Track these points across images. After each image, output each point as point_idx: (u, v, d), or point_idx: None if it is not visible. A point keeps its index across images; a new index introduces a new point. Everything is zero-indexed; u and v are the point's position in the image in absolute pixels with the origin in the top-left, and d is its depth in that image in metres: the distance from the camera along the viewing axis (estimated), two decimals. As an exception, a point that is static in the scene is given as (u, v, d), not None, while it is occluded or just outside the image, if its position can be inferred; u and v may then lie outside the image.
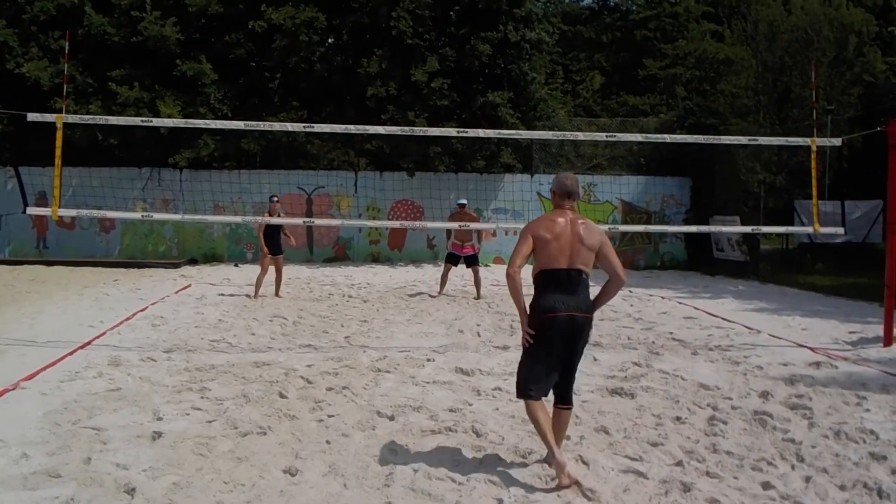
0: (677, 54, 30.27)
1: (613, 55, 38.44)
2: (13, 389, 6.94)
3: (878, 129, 10.69)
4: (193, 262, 21.51)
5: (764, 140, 13.65)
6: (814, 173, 10.46)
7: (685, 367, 8.41)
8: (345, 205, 22.42)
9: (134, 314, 11.66)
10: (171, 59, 20.54)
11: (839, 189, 20.09)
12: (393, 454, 5.41)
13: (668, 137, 13.72)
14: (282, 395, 6.91)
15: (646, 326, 11.32)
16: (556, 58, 33.62)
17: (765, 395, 7.12)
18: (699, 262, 21.91)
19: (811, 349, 9.55)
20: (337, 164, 23.45)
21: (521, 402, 5.57)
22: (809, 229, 11.25)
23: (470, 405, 6.63)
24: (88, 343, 9.28)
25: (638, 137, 14.55)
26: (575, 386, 7.27)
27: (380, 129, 11.31)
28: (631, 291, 15.90)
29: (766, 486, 4.88)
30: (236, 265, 21.01)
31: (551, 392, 5.22)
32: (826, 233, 11.04)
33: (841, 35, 21.55)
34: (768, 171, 20.36)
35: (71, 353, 8.60)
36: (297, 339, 9.98)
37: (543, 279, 5.07)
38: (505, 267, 5.28)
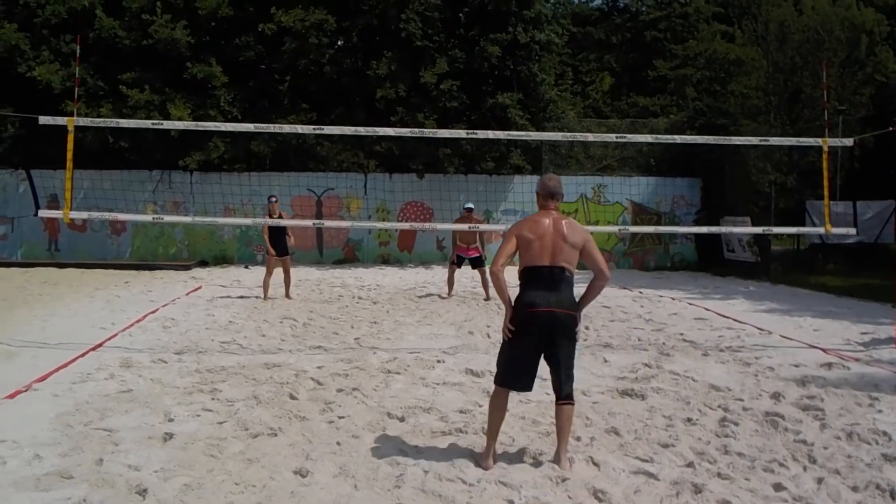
0: (687, 55, 30.20)
1: (623, 56, 38.40)
2: (25, 391, 6.96)
3: (890, 129, 10.66)
4: (204, 263, 21.56)
5: (775, 140, 13.61)
6: (825, 173, 10.42)
7: (696, 368, 8.38)
8: (354, 206, 22.44)
9: (145, 316, 11.70)
10: (181, 61, 20.61)
11: (851, 189, 20.00)
12: (403, 455, 5.40)
13: (678, 138, 13.68)
14: (292, 397, 6.91)
15: (656, 328, 11.29)
16: (565, 59, 33.63)
17: (776, 396, 7.09)
18: (710, 262, 21.85)
19: (823, 350, 9.50)
20: (347, 166, 23.49)
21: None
22: (821, 230, 11.21)
23: (480, 406, 6.62)
24: (100, 345, 9.31)
25: (648, 138, 14.52)
26: (585, 387, 7.36)
27: (389, 131, 11.35)
28: (641, 292, 15.87)
29: (778, 487, 4.86)
30: (246, 267, 21.05)
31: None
32: (838, 233, 10.99)
33: (852, 35, 21.45)
34: (779, 171, 20.28)
35: (82, 355, 8.63)
36: (307, 340, 9.99)
37: (527, 276, 5.25)
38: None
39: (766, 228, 13.76)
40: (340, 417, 6.31)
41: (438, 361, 8.59)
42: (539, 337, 5.13)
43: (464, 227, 12.84)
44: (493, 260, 5.26)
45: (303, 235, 21.26)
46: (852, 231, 12.44)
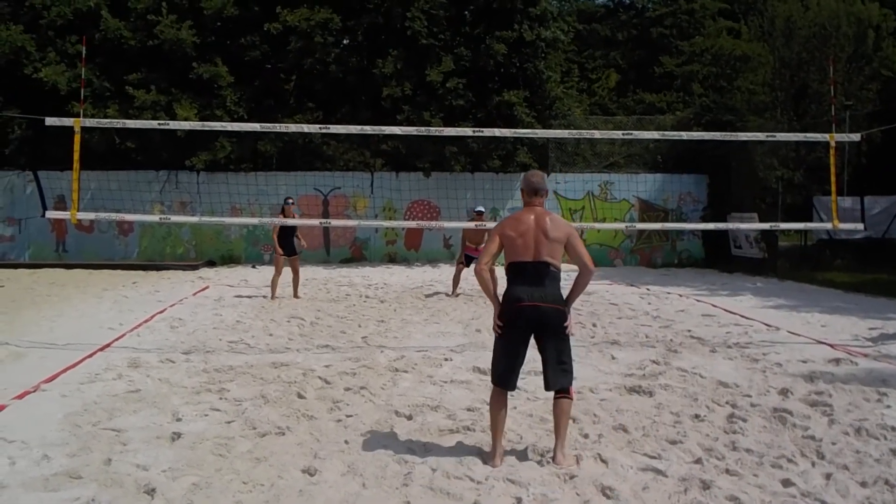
0: (693, 51, 30.19)
1: (629, 53, 38.38)
2: (34, 391, 6.98)
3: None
4: (211, 263, 21.59)
5: (782, 136, 13.57)
6: (833, 169, 10.40)
7: (704, 364, 8.37)
8: (361, 205, 22.44)
9: (153, 316, 11.72)
10: (187, 62, 20.63)
11: (858, 184, 19.96)
12: (411, 453, 5.40)
13: (684, 135, 13.69)
14: (300, 396, 6.92)
15: (664, 324, 11.27)
16: (571, 56, 33.59)
17: (784, 392, 7.07)
18: (717, 259, 21.81)
19: (831, 346, 9.48)
20: (353, 165, 23.51)
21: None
22: (828, 225, 11.19)
23: (488, 404, 6.60)
24: (108, 345, 9.33)
25: (654, 135, 14.55)
26: (593, 384, 7.36)
27: (395, 130, 11.34)
28: (648, 289, 15.86)
29: (787, 483, 4.85)
30: (254, 266, 21.07)
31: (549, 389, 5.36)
32: (846, 229, 10.97)
33: (858, 30, 21.40)
34: (786, 167, 20.25)
35: (90, 356, 8.65)
36: (314, 339, 10.01)
37: (512, 272, 5.33)
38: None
39: (773, 224, 13.73)
40: (348, 416, 6.32)
41: (446, 359, 8.59)
42: (526, 331, 5.21)
43: (470, 225, 12.83)
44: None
45: (310, 235, 21.23)
46: (860, 226, 12.40)
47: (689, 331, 10.65)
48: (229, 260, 22.06)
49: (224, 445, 5.53)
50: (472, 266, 14.35)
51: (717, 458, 5.32)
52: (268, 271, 17.00)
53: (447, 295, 14.60)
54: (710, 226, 17.61)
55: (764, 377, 7.75)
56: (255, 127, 11.48)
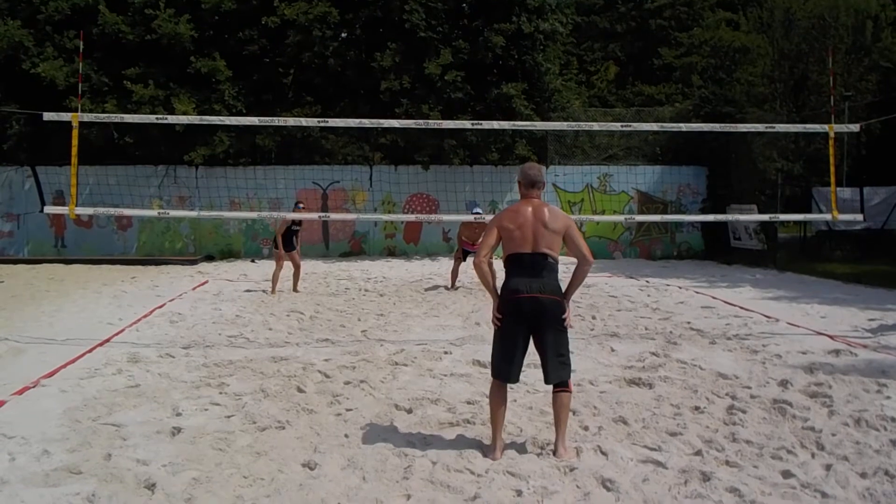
0: (692, 43, 30.12)
1: (628, 45, 38.28)
2: (33, 387, 6.98)
3: (897, 114, 10.61)
4: (210, 258, 21.61)
5: (781, 127, 13.58)
6: (832, 160, 10.39)
7: (703, 356, 8.37)
8: (360, 199, 22.44)
9: (152, 311, 11.72)
10: (185, 56, 20.61)
11: (857, 175, 19.95)
12: (411, 447, 5.40)
13: (684, 126, 13.67)
14: (300, 390, 6.92)
15: (663, 316, 11.27)
16: (570, 48, 33.53)
17: (784, 383, 7.07)
18: (716, 251, 21.81)
19: (830, 337, 9.48)
20: (352, 159, 23.51)
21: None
22: (828, 216, 11.19)
23: (487, 397, 6.61)
24: (107, 340, 9.33)
25: (654, 127, 14.52)
26: (592, 376, 7.36)
27: (394, 123, 11.35)
28: (648, 282, 15.86)
29: (787, 474, 4.85)
30: (253, 261, 21.08)
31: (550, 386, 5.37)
32: (845, 220, 10.96)
33: (857, 21, 21.38)
34: (785, 158, 20.24)
35: (90, 351, 8.65)
36: (314, 333, 10.00)
37: (510, 264, 5.32)
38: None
39: (772, 216, 13.70)
40: (348, 410, 6.32)
41: (445, 353, 8.59)
42: (524, 323, 5.19)
43: (469, 218, 12.81)
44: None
45: (309, 229, 21.24)
46: (859, 217, 12.39)
47: (689, 323, 10.65)
48: (228, 254, 22.07)
49: (224, 440, 5.53)
50: (470, 259, 14.44)
51: (717, 449, 5.32)
52: (266, 265, 17.04)
53: (446, 288, 14.60)
54: (710, 217, 17.64)
55: (763, 369, 7.75)
56: (254, 121, 11.43)
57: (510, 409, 5.94)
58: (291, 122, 11.87)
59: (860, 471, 4.90)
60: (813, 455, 5.23)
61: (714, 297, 13.30)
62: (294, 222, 13.91)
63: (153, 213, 14.85)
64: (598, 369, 7.78)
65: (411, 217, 21.91)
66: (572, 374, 5.42)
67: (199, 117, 13.58)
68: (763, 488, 4.65)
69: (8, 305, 12.33)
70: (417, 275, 17.32)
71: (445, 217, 16.59)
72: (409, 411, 6.30)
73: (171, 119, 11.31)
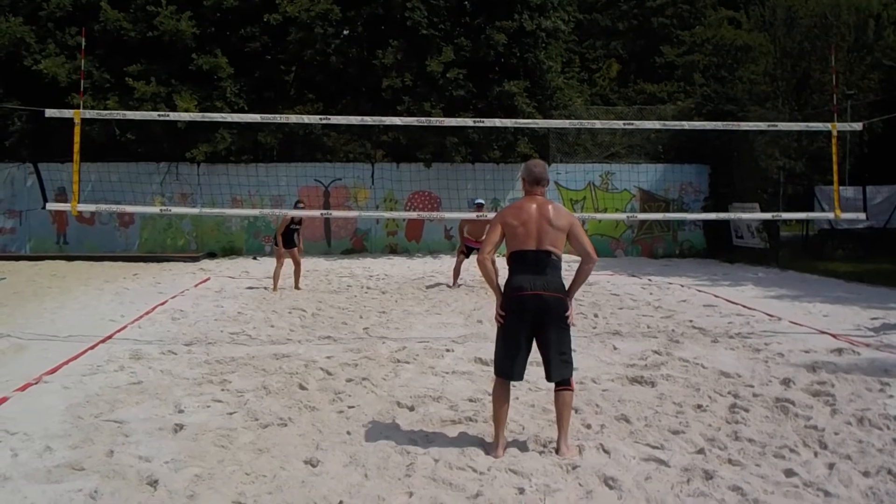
0: (695, 41, 30.07)
1: (630, 43, 38.26)
2: (36, 383, 6.99)
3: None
4: (212, 255, 21.61)
5: (784, 126, 13.56)
6: (835, 158, 10.37)
7: (705, 354, 8.36)
8: (362, 196, 22.43)
9: (154, 308, 11.72)
10: (186, 53, 20.61)
11: (860, 174, 19.93)
12: (413, 444, 5.40)
13: (686, 125, 13.67)
14: (302, 387, 6.92)
15: (665, 315, 11.27)
16: (572, 46, 33.49)
17: (786, 382, 7.06)
18: (718, 249, 21.79)
19: (833, 336, 9.47)
20: (354, 156, 23.53)
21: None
22: (830, 215, 11.17)
23: (489, 395, 6.58)
24: (109, 337, 9.33)
25: (656, 125, 14.51)
26: (595, 374, 7.35)
27: (396, 120, 11.33)
28: (650, 280, 15.85)
29: (789, 473, 4.85)
30: (255, 258, 21.09)
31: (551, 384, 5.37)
32: (847, 218, 10.94)
33: (859, 19, 21.34)
34: (788, 157, 20.21)
35: (92, 347, 8.65)
36: (316, 330, 10.00)
37: (513, 261, 5.31)
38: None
39: (775, 214, 13.72)
40: (350, 407, 6.32)
41: (447, 350, 8.59)
42: (528, 320, 5.16)
43: (471, 215, 12.80)
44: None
45: (311, 226, 21.24)
46: (862, 216, 12.38)
47: (691, 321, 10.64)
48: (230, 251, 22.07)
49: (226, 437, 5.53)
50: (473, 256, 14.44)
51: (720, 448, 5.31)
52: (268, 262, 17.03)
53: (448, 286, 14.59)
54: (712, 216, 17.62)
55: (766, 367, 7.74)
56: (256, 118, 11.40)
57: (512, 407, 5.94)
58: (293, 119, 11.86)
59: (863, 470, 4.89)
60: (816, 454, 5.22)
61: (716, 296, 13.29)
62: (294, 220, 13.92)
63: (155, 209, 14.82)
64: (600, 367, 7.77)
65: (413, 214, 21.87)
66: (574, 373, 5.42)
67: (200, 114, 13.63)
68: (766, 487, 4.64)
69: (10, 302, 12.34)
70: (419, 272, 17.32)
71: (447, 215, 16.58)
72: (412, 409, 6.30)
73: (173, 116, 11.35)
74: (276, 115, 13.04)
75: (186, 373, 7.48)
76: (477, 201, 14.98)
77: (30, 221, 21.81)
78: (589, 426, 5.81)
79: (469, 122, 12.21)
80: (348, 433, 5.65)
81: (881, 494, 4.53)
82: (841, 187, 12.21)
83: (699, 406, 6.34)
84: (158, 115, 11.19)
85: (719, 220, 20.84)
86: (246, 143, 21.41)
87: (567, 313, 5.23)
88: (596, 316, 11.06)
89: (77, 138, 9.32)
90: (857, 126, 11.09)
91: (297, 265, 14.22)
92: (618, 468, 4.93)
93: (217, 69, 20.60)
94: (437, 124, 12.52)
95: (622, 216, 21.48)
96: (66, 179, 20.13)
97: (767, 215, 14.87)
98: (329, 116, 12.64)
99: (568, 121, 17.72)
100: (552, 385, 5.35)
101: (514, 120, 14.12)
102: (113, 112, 15.85)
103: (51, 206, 11.01)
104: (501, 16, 21.01)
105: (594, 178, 23.00)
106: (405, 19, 20.62)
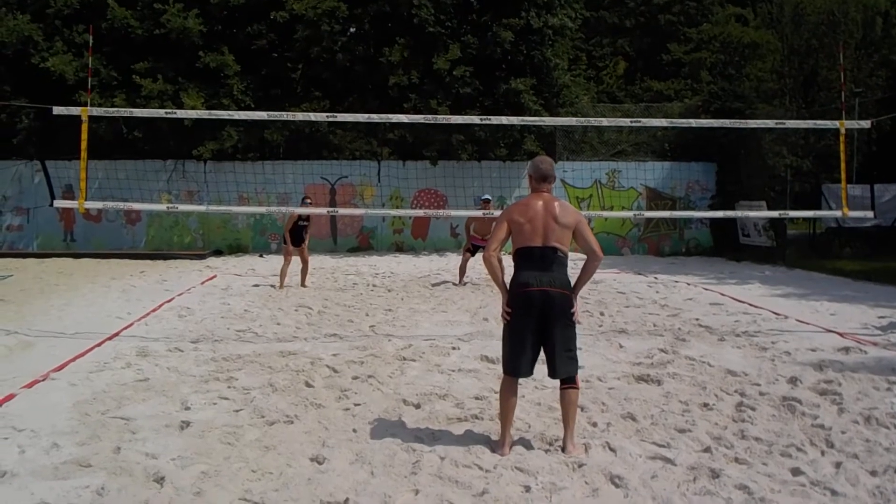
0: (702, 38, 29.95)
1: (637, 40, 38.18)
2: (43, 380, 7.01)
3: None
4: (218, 252, 21.63)
5: (791, 123, 13.51)
6: (842, 156, 10.33)
7: (712, 353, 8.35)
8: (368, 194, 22.43)
9: (161, 305, 11.75)
10: (193, 51, 20.62)
11: (868, 172, 19.85)
12: (419, 442, 5.40)
13: (693, 122, 13.61)
14: (308, 384, 6.93)
15: (672, 313, 11.25)
16: (578, 44, 33.41)
17: (793, 380, 7.05)
18: (725, 247, 21.73)
19: (840, 334, 9.45)
20: (360, 154, 23.51)
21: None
22: (838, 213, 11.14)
23: (495, 393, 6.57)
24: (116, 334, 9.36)
25: (663, 123, 14.44)
26: (601, 372, 7.35)
27: (402, 118, 11.32)
28: (656, 278, 15.83)
29: (796, 472, 4.84)
30: (261, 255, 21.11)
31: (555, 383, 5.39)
32: (855, 216, 10.91)
33: (866, 17, 21.28)
34: (795, 154, 20.15)
35: (99, 345, 8.67)
36: (322, 328, 10.01)
37: (520, 257, 5.31)
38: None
39: (782, 212, 13.65)
40: (356, 405, 6.33)
41: (453, 348, 8.59)
42: (534, 316, 5.15)
43: (478, 213, 12.80)
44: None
45: (317, 224, 21.25)
46: (870, 214, 12.34)
47: (698, 319, 10.63)
48: (236, 249, 22.09)
49: (232, 434, 5.54)
50: (479, 254, 14.41)
51: (726, 446, 5.31)
52: (275, 260, 17.05)
53: (454, 284, 14.59)
54: (719, 214, 17.56)
55: (773, 366, 7.73)
56: (262, 115, 11.45)
57: (518, 405, 5.93)
58: (300, 117, 11.88)
59: (870, 469, 4.88)
60: (822, 453, 5.21)
61: (723, 294, 13.27)
62: (301, 217, 13.93)
63: (162, 207, 14.88)
64: (606, 365, 7.77)
65: (419, 212, 21.89)
66: (580, 371, 5.42)
67: (207, 112, 13.64)
68: (772, 486, 4.63)
69: (17, 299, 12.38)
70: (425, 270, 17.32)
71: (454, 212, 16.54)
72: (418, 406, 6.30)
73: (180, 113, 11.36)
74: (283, 113, 13.07)
75: (193, 370, 7.49)
76: (483, 197, 14.96)
77: (37, 219, 21.86)
78: (595, 424, 5.81)
79: (476, 119, 12.21)
80: (354, 431, 5.66)
81: (888, 493, 4.52)
82: (848, 185, 12.18)
83: (705, 404, 6.33)
84: (165, 113, 11.22)
85: (726, 218, 20.77)
86: (252, 140, 21.42)
87: (573, 310, 5.23)
88: (602, 314, 11.05)
89: (84, 136, 9.34)
90: (866, 124, 11.05)
91: (305, 263, 14.24)
92: (624, 466, 4.93)
93: (224, 67, 20.61)
94: (444, 122, 12.51)
95: (629, 214, 21.43)
96: (73, 177, 20.02)
97: (774, 213, 14.81)
98: (335, 114, 12.66)
99: (574, 119, 17.65)
100: (558, 383, 5.35)
101: (520, 118, 14.05)
102: (120, 109, 15.91)
103: (58, 203, 11.05)
104: (508, 13, 20.97)
105: (601, 176, 22.96)
106: (412, 17, 20.60)
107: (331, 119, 12.60)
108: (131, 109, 13.61)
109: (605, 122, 13.86)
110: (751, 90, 22.49)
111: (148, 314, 10.90)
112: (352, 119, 12.31)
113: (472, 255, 14.57)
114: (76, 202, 9.68)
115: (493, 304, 11.80)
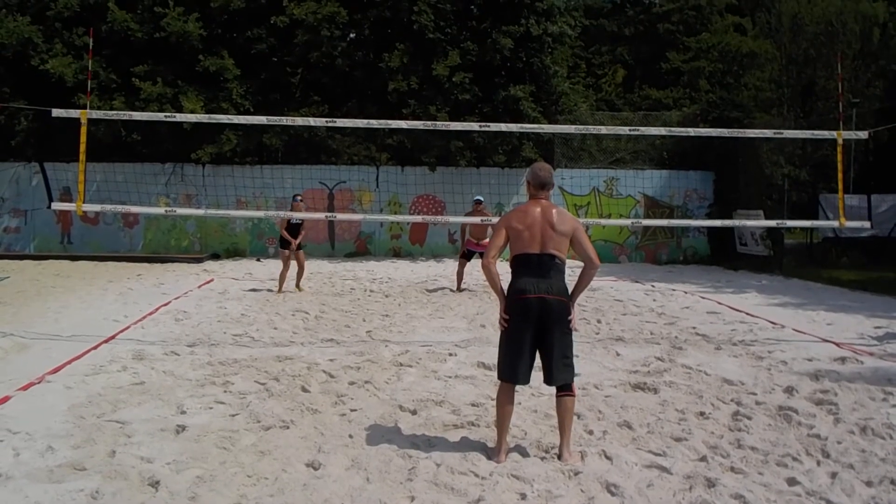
0: (700, 47, 30.11)
1: (636, 49, 38.30)
2: (38, 383, 6.99)
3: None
4: (216, 256, 21.61)
5: (789, 133, 13.53)
6: (840, 166, 10.34)
7: (708, 362, 8.35)
8: (366, 199, 22.45)
9: (157, 309, 11.73)
10: (193, 54, 20.64)
11: (865, 182, 19.89)
12: (415, 448, 5.40)
13: (691, 131, 13.64)
14: (304, 390, 6.92)
15: (668, 321, 11.25)
16: (578, 52, 33.54)
17: (789, 390, 7.05)
18: (722, 256, 21.75)
19: (836, 344, 9.44)
20: (358, 159, 23.53)
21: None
22: (835, 223, 11.15)
23: (492, 399, 6.58)
24: (112, 337, 9.34)
25: (661, 131, 14.45)
26: (597, 380, 7.35)
27: (401, 124, 11.35)
28: (653, 286, 15.82)
29: (792, 481, 4.84)
30: (258, 260, 21.10)
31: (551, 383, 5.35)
32: (852, 226, 10.92)
33: (864, 27, 21.35)
34: (792, 164, 20.20)
35: (95, 347, 8.66)
36: (319, 333, 10.00)
37: (517, 264, 5.32)
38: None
39: (779, 222, 13.70)
40: (353, 410, 6.32)
41: (450, 354, 8.59)
42: (531, 323, 5.15)
43: (476, 220, 12.80)
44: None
45: (314, 229, 21.26)
46: (866, 224, 12.35)
47: (694, 328, 10.63)
48: (234, 253, 22.07)
49: (228, 438, 5.54)
50: (475, 260, 14.39)
51: (722, 455, 5.31)
52: (272, 264, 17.02)
53: (452, 290, 14.59)
54: (716, 223, 17.57)
55: (769, 375, 7.73)
56: (262, 120, 11.42)
57: (514, 412, 5.93)
58: (299, 121, 11.88)
59: (866, 479, 4.88)
60: (818, 463, 5.21)
61: (720, 303, 13.27)
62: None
63: (160, 210, 14.86)
64: (603, 373, 7.76)
65: (417, 218, 21.91)
66: (577, 378, 5.42)
67: (206, 115, 13.62)
68: (768, 495, 4.63)
69: (14, 301, 12.36)
70: (423, 276, 17.31)
71: (451, 218, 16.54)
72: (414, 412, 6.30)
73: (179, 117, 11.35)
74: (282, 118, 13.07)
75: (189, 374, 7.48)
76: (476, 198, 14.98)
77: (34, 221, 21.85)
78: (591, 432, 5.80)
79: (474, 126, 12.25)
80: (350, 436, 5.65)
81: (883, 504, 4.52)
82: (846, 195, 12.20)
83: (702, 413, 6.33)
84: (164, 116, 11.22)
85: (723, 227, 20.78)
86: (251, 144, 21.44)
87: (570, 317, 5.23)
88: (599, 322, 11.05)
89: (83, 138, 9.35)
90: (863, 134, 11.08)
91: (301, 267, 14.22)
92: (620, 475, 4.93)
93: (223, 71, 20.63)
94: (443, 128, 12.55)
95: (626, 222, 21.43)
96: (71, 179, 20.05)
97: (772, 223, 14.83)
98: (334, 119, 12.67)
99: (573, 126, 17.68)
100: (554, 390, 5.35)
101: (519, 125, 14.12)
102: (119, 112, 15.88)
103: (56, 205, 11.07)
104: (508, 20, 21.03)
105: (599, 184, 22.99)
106: (412, 23, 20.64)
107: (330, 124, 12.57)
108: (130, 112, 13.60)
109: (603, 130, 13.88)
110: (749, 99, 22.57)
111: (144, 317, 10.88)
112: (351, 124, 12.34)
113: (469, 260, 14.57)
114: (74, 205, 9.69)
115: (490, 311, 11.80)
